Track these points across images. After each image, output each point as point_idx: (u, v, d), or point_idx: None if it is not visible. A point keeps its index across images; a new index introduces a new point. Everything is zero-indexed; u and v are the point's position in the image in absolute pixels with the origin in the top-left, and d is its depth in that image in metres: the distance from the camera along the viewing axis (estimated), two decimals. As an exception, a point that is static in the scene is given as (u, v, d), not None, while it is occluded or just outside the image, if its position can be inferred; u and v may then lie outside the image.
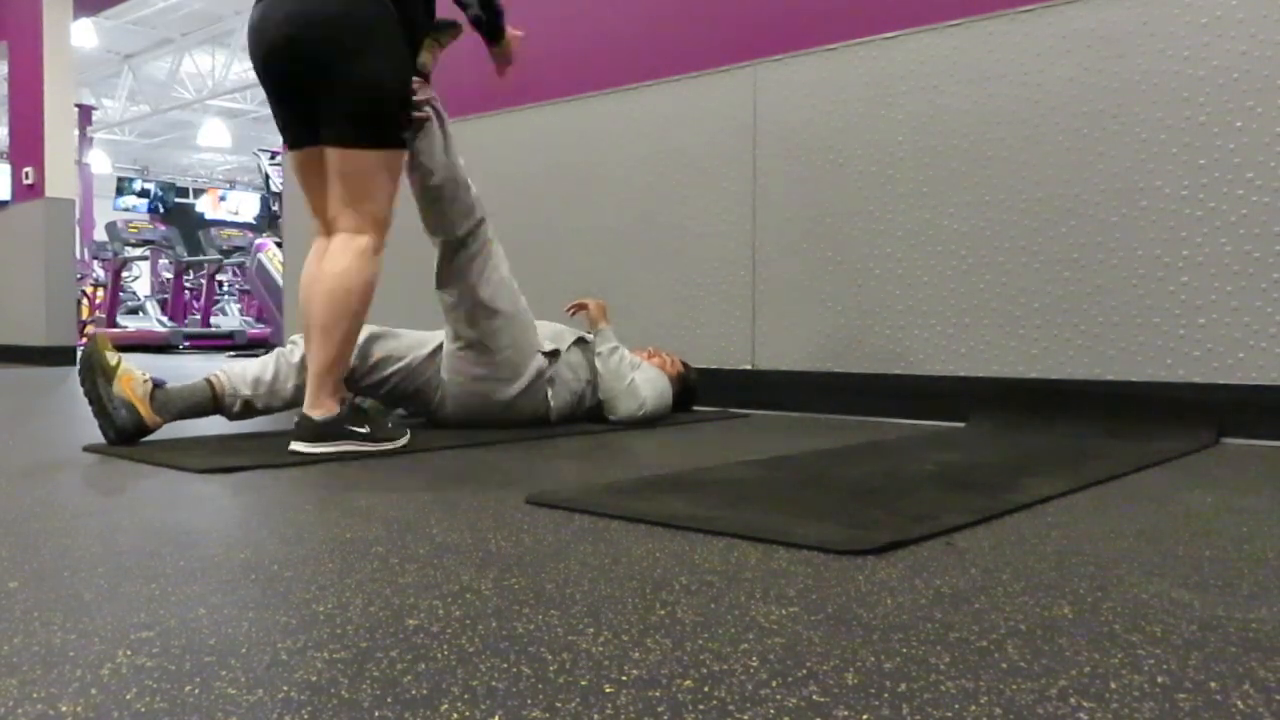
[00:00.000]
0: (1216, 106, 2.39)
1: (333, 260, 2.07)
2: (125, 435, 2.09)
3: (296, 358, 2.30)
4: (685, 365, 2.97)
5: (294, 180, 2.25)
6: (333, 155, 2.07)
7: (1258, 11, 2.34)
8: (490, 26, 2.31)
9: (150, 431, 2.13)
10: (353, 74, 2.02)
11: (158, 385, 2.15)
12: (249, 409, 2.26)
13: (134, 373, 2.11)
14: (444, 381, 2.47)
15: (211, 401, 2.22)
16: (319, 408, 2.05)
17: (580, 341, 2.66)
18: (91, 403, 2.09)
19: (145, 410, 2.10)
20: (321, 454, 1.99)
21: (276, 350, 2.38)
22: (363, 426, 2.07)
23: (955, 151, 2.77)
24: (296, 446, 2.01)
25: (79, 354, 2.11)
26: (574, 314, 2.79)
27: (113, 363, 2.08)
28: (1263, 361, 2.33)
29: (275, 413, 2.33)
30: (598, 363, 2.64)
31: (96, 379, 2.07)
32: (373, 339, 2.43)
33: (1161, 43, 2.46)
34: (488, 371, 2.44)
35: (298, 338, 2.37)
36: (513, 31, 2.39)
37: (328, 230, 2.15)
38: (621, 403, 2.60)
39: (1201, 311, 2.41)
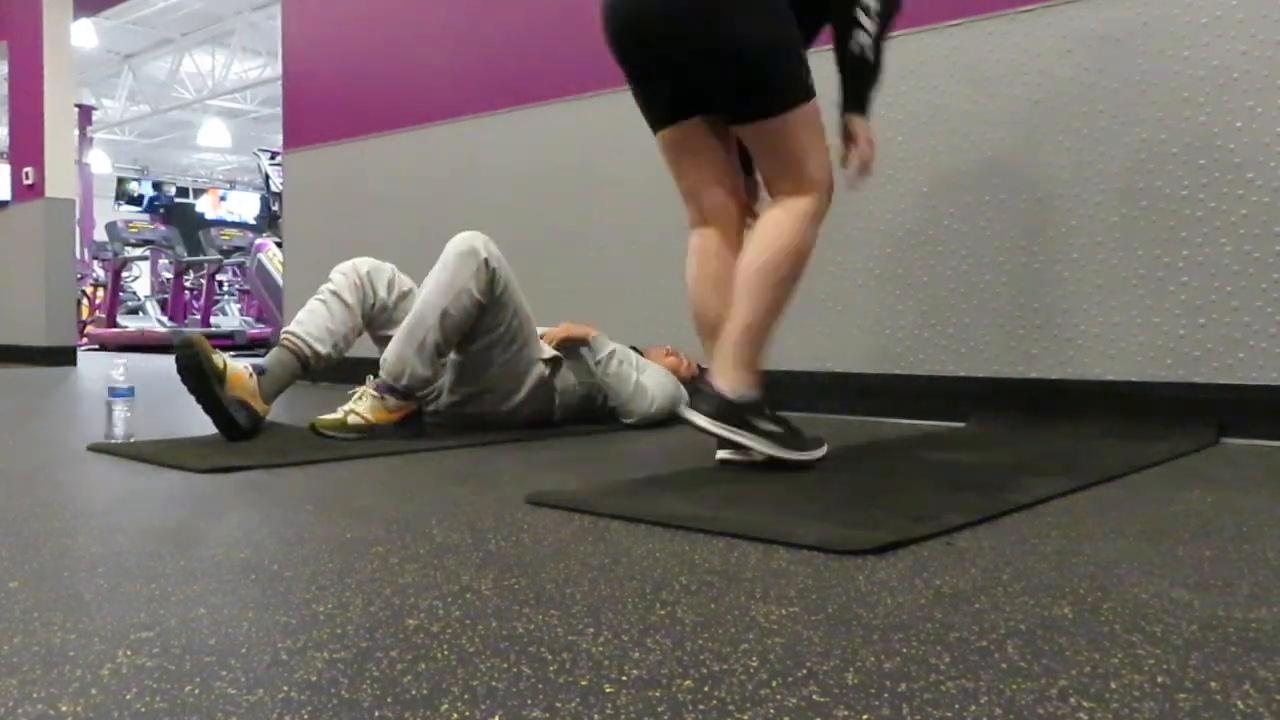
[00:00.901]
0: (1216, 106, 2.39)
1: (774, 223, 1.84)
2: (248, 434, 2.14)
3: (349, 295, 2.36)
4: (701, 369, 2.96)
5: (668, 159, 1.97)
6: (741, 131, 1.86)
7: (1258, 11, 2.34)
8: (884, 17, 1.82)
9: (263, 421, 2.22)
10: (719, 43, 1.73)
11: (260, 374, 2.21)
12: (330, 362, 2.34)
13: (240, 370, 2.16)
14: (447, 378, 2.46)
15: (302, 370, 2.29)
16: (726, 380, 1.74)
17: (574, 352, 2.63)
18: (208, 406, 2.11)
19: (258, 404, 2.18)
20: (719, 435, 1.71)
21: (323, 291, 2.40)
22: (778, 425, 1.76)
23: (955, 151, 2.77)
24: (691, 416, 1.72)
25: (178, 355, 2.08)
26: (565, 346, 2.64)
27: (220, 365, 2.12)
28: (1263, 361, 2.33)
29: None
30: (599, 373, 2.61)
31: (210, 383, 2.09)
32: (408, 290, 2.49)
33: (1161, 43, 2.46)
34: (481, 388, 2.43)
35: (344, 267, 2.42)
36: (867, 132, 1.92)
37: (704, 219, 1.96)
38: (634, 404, 2.59)
39: (1201, 311, 2.41)
